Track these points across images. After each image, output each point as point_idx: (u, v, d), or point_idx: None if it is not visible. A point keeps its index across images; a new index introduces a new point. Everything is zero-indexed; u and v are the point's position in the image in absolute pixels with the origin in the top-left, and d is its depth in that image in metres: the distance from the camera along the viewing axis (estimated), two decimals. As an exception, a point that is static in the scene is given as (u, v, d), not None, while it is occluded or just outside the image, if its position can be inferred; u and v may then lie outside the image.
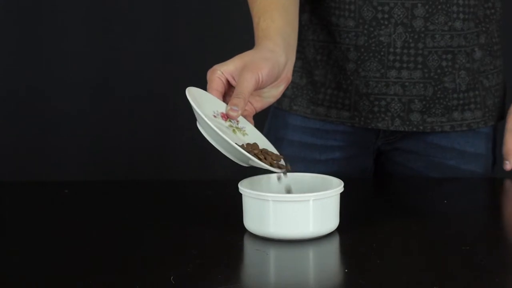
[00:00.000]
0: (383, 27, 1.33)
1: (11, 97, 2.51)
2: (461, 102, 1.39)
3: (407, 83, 1.36)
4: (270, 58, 1.14)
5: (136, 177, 2.39)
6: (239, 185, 1.09)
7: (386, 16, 1.33)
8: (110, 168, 2.50)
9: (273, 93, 1.17)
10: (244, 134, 1.12)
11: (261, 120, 1.41)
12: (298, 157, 1.41)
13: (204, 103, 1.09)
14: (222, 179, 1.18)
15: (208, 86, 1.13)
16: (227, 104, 1.11)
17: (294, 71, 1.41)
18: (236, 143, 1.03)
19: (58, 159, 2.52)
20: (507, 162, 1.36)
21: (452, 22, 1.34)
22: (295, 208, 1.05)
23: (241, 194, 1.09)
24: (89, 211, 1.23)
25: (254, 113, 1.17)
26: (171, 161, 2.52)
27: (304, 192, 1.08)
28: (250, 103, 1.16)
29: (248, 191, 1.07)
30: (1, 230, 1.16)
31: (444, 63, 1.35)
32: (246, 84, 1.10)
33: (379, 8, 1.32)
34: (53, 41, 2.49)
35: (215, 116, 1.09)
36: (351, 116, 1.40)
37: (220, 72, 1.12)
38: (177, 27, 2.48)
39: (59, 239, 1.10)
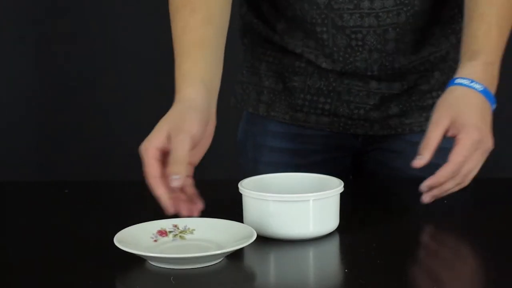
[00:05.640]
0: (358, 53, 1.32)
1: (11, 97, 2.51)
2: (436, 100, 1.39)
3: (386, 94, 1.36)
4: (196, 109, 1.11)
5: (136, 177, 2.39)
6: (239, 185, 1.09)
7: (360, 43, 1.32)
8: (110, 168, 2.50)
9: (205, 140, 1.14)
10: (192, 232, 1.06)
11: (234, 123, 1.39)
12: (280, 163, 1.40)
13: (138, 238, 1.02)
14: (222, 179, 1.18)
15: (146, 171, 1.08)
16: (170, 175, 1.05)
17: (268, 76, 1.40)
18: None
19: (58, 159, 2.52)
20: (420, 156, 1.15)
21: (420, 37, 1.33)
22: (295, 208, 1.05)
23: (241, 194, 1.09)
24: (89, 211, 1.23)
25: (194, 166, 1.12)
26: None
27: (304, 192, 1.08)
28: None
29: (248, 191, 1.07)
30: (1, 230, 1.16)
31: (422, 71, 1.37)
32: (181, 146, 1.06)
33: (353, 36, 1.31)
34: (53, 41, 2.48)
35: (155, 241, 1.04)
36: (330, 122, 1.39)
37: (152, 153, 1.08)
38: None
39: (59, 239, 1.10)
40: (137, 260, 0.98)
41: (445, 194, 1.14)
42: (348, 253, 1.06)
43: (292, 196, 1.06)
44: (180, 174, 1.04)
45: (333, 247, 1.06)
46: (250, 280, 0.97)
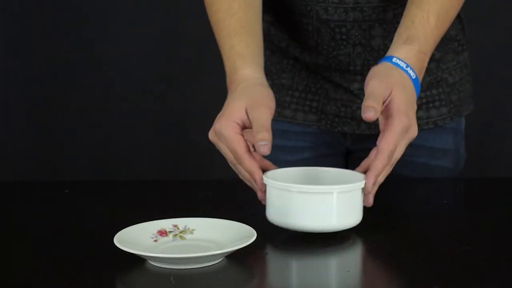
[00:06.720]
0: (342, 47, 1.33)
1: (11, 97, 2.51)
2: (424, 101, 1.39)
3: None
4: (265, 85, 1.15)
5: (136, 177, 2.40)
6: (264, 176, 1.09)
7: (344, 37, 1.32)
8: (110, 168, 2.50)
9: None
10: (192, 232, 1.06)
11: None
12: (269, 160, 1.41)
13: (138, 238, 1.03)
14: (222, 179, 1.18)
15: (232, 147, 1.09)
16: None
17: None
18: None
19: (58, 159, 2.52)
20: (371, 109, 1.07)
21: None
22: (319, 200, 1.04)
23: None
24: (89, 211, 1.23)
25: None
26: (171, 161, 2.52)
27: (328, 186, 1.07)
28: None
29: (273, 181, 1.07)
30: (1, 230, 1.16)
31: None
32: (264, 116, 1.08)
33: (337, 29, 1.32)
34: (53, 42, 2.49)
35: (155, 241, 1.04)
36: (317, 119, 1.40)
37: (235, 128, 1.09)
38: (179, 27, 2.49)
39: (59, 239, 1.10)
40: (137, 260, 0.98)
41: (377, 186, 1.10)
42: (348, 253, 1.06)
43: (316, 187, 1.05)
44: (267, 140, 1.05)
45: (333, 248, 1.06)
46: (250, 280, 0.97)
